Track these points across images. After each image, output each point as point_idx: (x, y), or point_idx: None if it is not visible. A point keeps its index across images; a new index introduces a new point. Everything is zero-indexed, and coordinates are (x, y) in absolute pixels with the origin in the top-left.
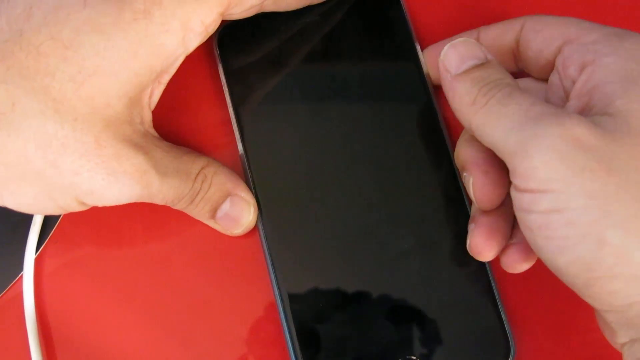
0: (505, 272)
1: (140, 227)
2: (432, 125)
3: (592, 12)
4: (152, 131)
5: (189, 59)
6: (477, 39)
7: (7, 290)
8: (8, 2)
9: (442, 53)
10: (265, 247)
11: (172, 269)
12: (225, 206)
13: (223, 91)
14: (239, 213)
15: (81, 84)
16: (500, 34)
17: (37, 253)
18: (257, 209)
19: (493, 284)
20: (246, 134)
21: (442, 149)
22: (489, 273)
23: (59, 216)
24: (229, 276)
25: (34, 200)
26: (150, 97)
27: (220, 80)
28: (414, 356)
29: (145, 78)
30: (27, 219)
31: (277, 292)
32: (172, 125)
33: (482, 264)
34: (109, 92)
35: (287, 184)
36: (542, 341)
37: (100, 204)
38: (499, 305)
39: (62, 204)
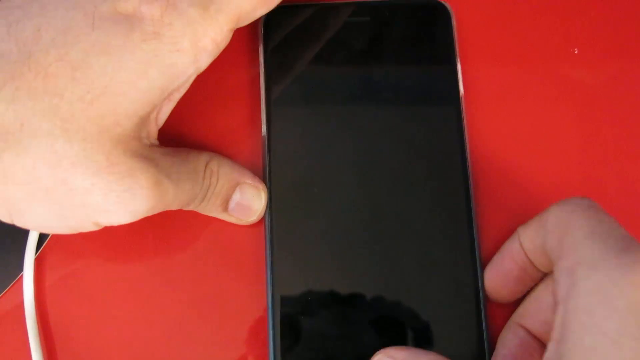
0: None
1: (141, 226)
2: (455, 143)
3: None
4: (156, 142)
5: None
6: (519, 241)
7: (7, 290)
8: (17, 24)
9: None
10: (267, 234)
11: (173, 268)
12: (236, 196)
13: (259, 71)
14: (250, 200)
15: (90, 104)
16: (535, 235)
17: (37, 253)
18: (267, 193)
19: (482, 304)
20: (273, 117)
21: (460, 169)
22: (480, 293)
23: None
24: (231, 275)
25: (45, 220)
26: (158, 113)
27: (258, 59)
28: None
29: (155, 97)
30: None
31: (269, 279)
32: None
33: (476, 284)
34: (119, 111)
35: (301, 174)
36: None
37: (115, 223)
38: (483, 325)
39: (73, 224)
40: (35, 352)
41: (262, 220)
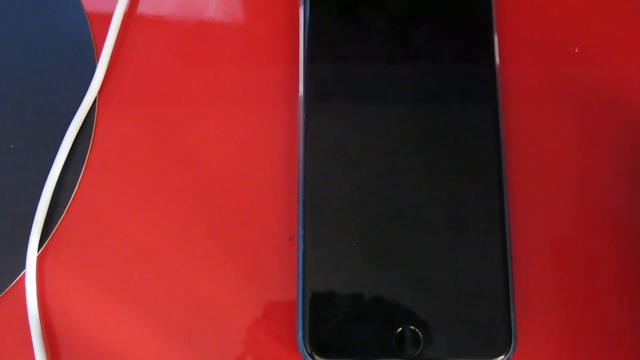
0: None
1: (143, 225)
2: (491, 140)
3: None
4: None
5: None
6: None
7: (9, 289)
8: None
9: None
10: (300, 200)
11: (176, 267)
12: None
13: (298, 33)
14: None
15: None
16: None
17: (40, 251)
18: None
19: (510, 283)
20: (311, 77)
21: (497, 172)
22: (509, 270)
23: (62, 214)
24: (234, 274)
25: None
26: None
27: (297, 20)
28: (415, 327)
29: None
30: (29, 216)
31: (300, 257)
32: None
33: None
34: None
35: (337, 135)
36: (544, 348)
37: None
38: (511, 304)
39: None
40: (38, 351)
41: (294, 192)
